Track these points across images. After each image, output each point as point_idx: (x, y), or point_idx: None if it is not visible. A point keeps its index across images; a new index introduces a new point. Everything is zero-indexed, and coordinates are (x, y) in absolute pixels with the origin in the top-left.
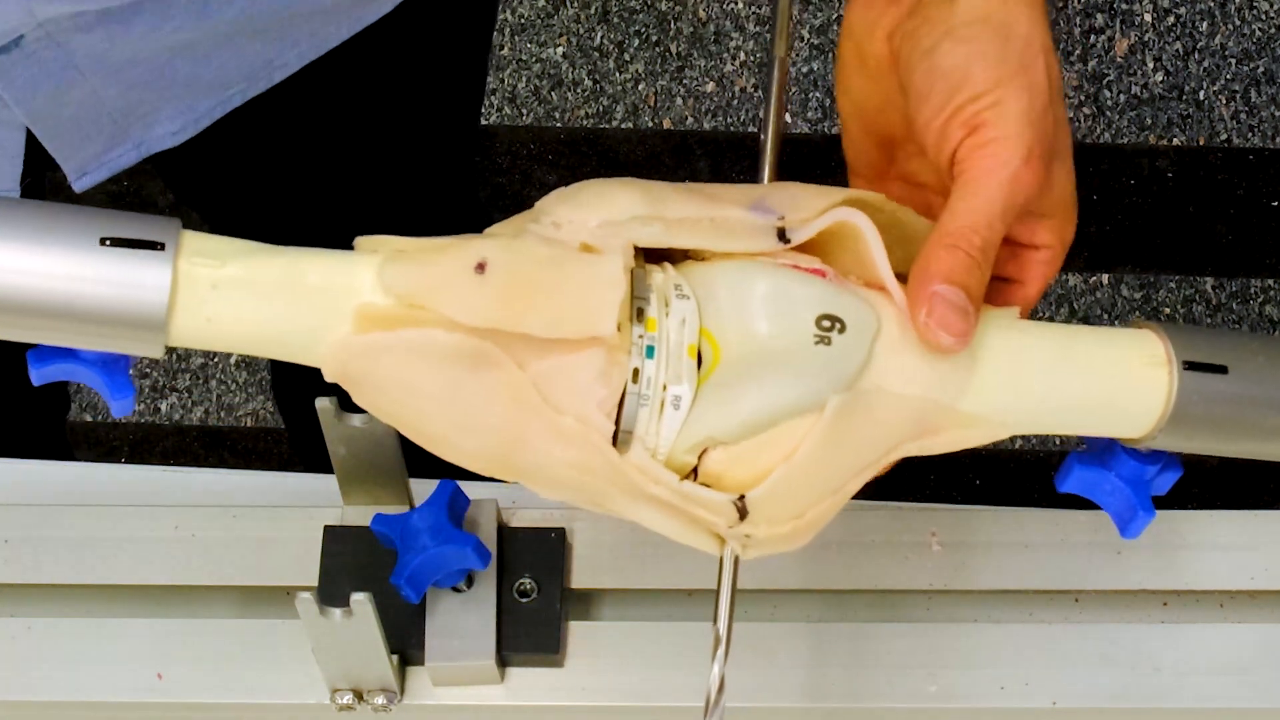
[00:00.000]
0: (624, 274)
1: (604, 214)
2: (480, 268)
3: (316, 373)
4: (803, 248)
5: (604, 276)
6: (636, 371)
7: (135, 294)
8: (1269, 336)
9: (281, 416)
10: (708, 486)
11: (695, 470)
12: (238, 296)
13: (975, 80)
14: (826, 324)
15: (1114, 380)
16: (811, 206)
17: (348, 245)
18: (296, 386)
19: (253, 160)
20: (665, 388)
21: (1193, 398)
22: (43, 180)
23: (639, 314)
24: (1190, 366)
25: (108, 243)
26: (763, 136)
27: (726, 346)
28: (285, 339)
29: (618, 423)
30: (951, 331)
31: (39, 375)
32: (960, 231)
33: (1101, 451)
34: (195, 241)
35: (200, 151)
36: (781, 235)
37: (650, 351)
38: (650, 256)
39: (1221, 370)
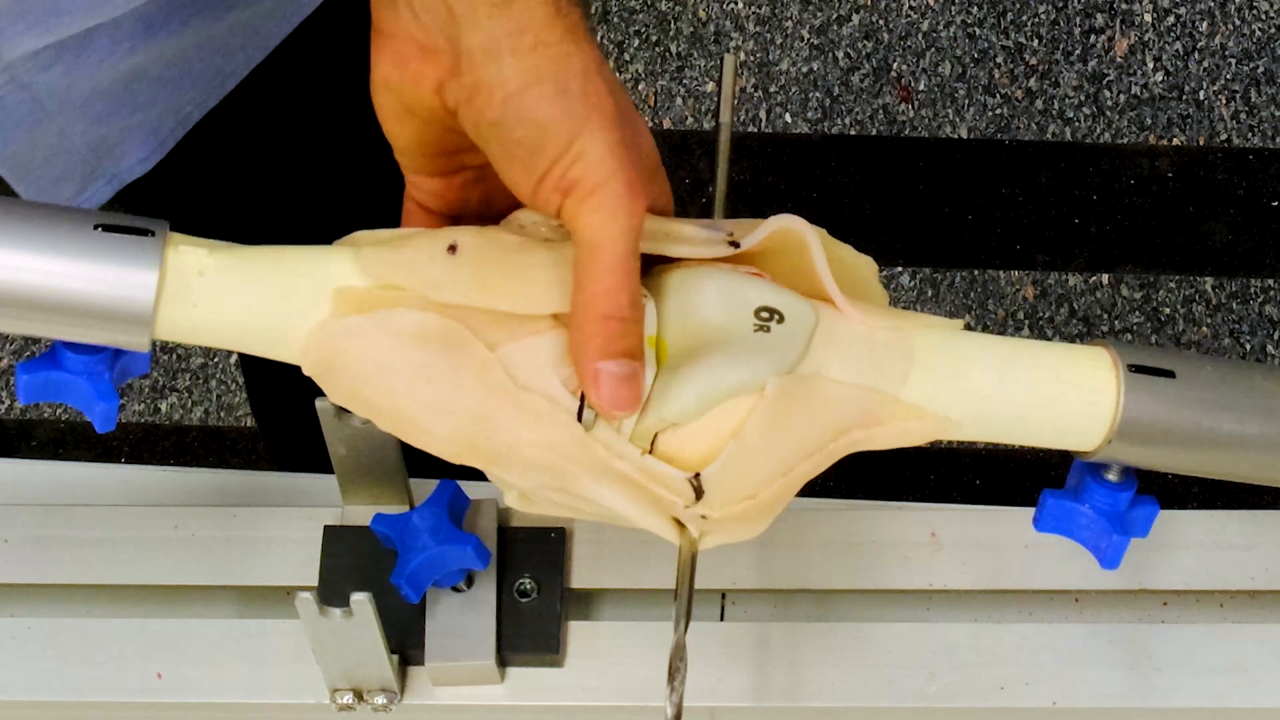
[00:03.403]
0: None
1: None
2: (452, 249)
3: (294, 377)
4: (746, 263)
5: (569, 258)
6: None
7: (126, 278)
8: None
9: (258, 423)
10: None
11: (650, 453)
12: (223, 283)
13: (550, 143)
14: (765, 314)
15: (1059, 382)
16: (757, 224)
17: (325, 239)
18: (273, 395)
19: (220, 174)
20: None
21: (1142, 401)
22: None
23: None
24: (1136, 369)
25: (100, 228)
26: (712, 188)
27: (673, 343)
28: (267, 326)
29: (581, 402)
30: (623, 405)
31: (26, 388)
32: (603, 297)
33: (1074, 486)
34: (183, 235)
35: (168, 178)
36: (732, 245)
37: None
38: None
39: (1169, 374)
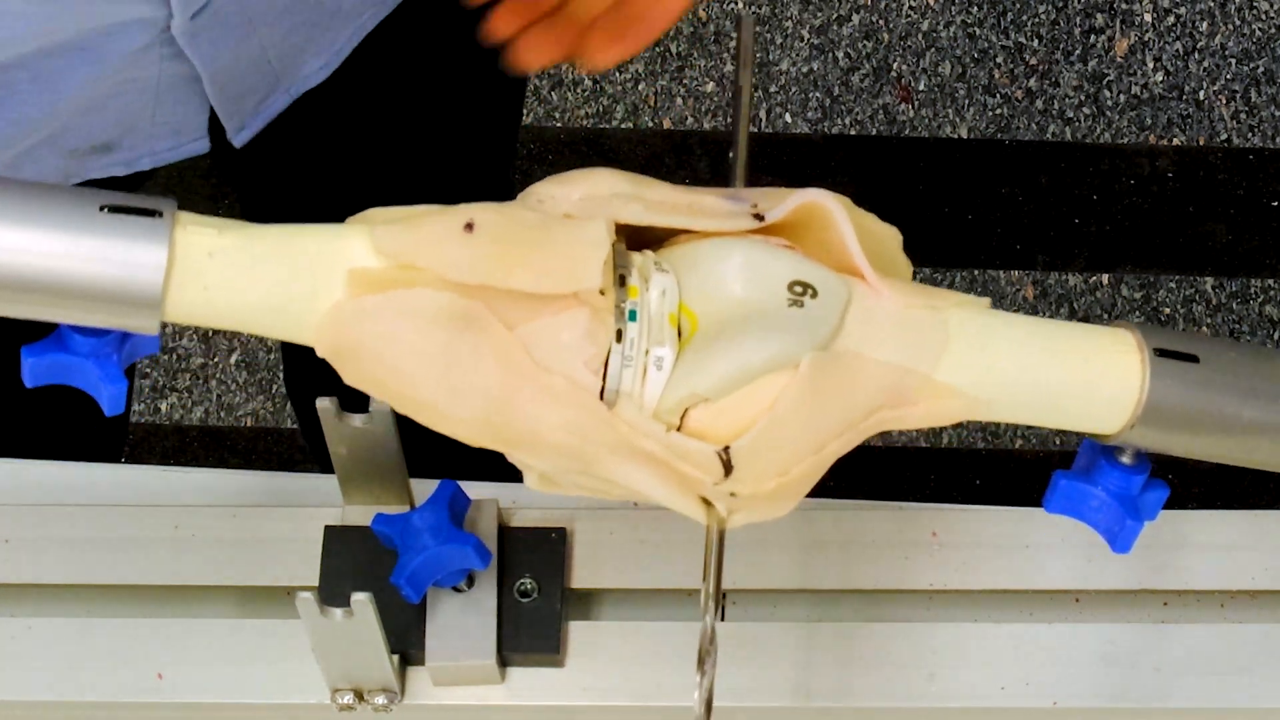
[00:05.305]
0: (607, 234)
1: (586, 190)
2: (469, 227)
3: (328, 370)
4: (773, 234)
5: (588, 235)
6: (620, 333)
7: (134, 259)
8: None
9: (295, 411)
10: None
11: (679, 430)
12: (234, 263)
13: None
14: (799, 289)
15: (1087, 365)
16: (782, 196)
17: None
18: (309, 384)
19: (300, 156)
20: (648, 351)
21: (1166, 385)
22: None
23: (620, 281)
24: (1161, 354)
25: (106, 209)
26: (732, 154)
27: (703, 316)
28: (280, 308)
29: (604, 381)
30: None
31: (32, 371)
32: None
33: (1086, 467)
34: (191, 215)
35: (338, 91)
36: (757, 218)
37: (633, 315)
38: (630, 247)
39: (1193, 359)
